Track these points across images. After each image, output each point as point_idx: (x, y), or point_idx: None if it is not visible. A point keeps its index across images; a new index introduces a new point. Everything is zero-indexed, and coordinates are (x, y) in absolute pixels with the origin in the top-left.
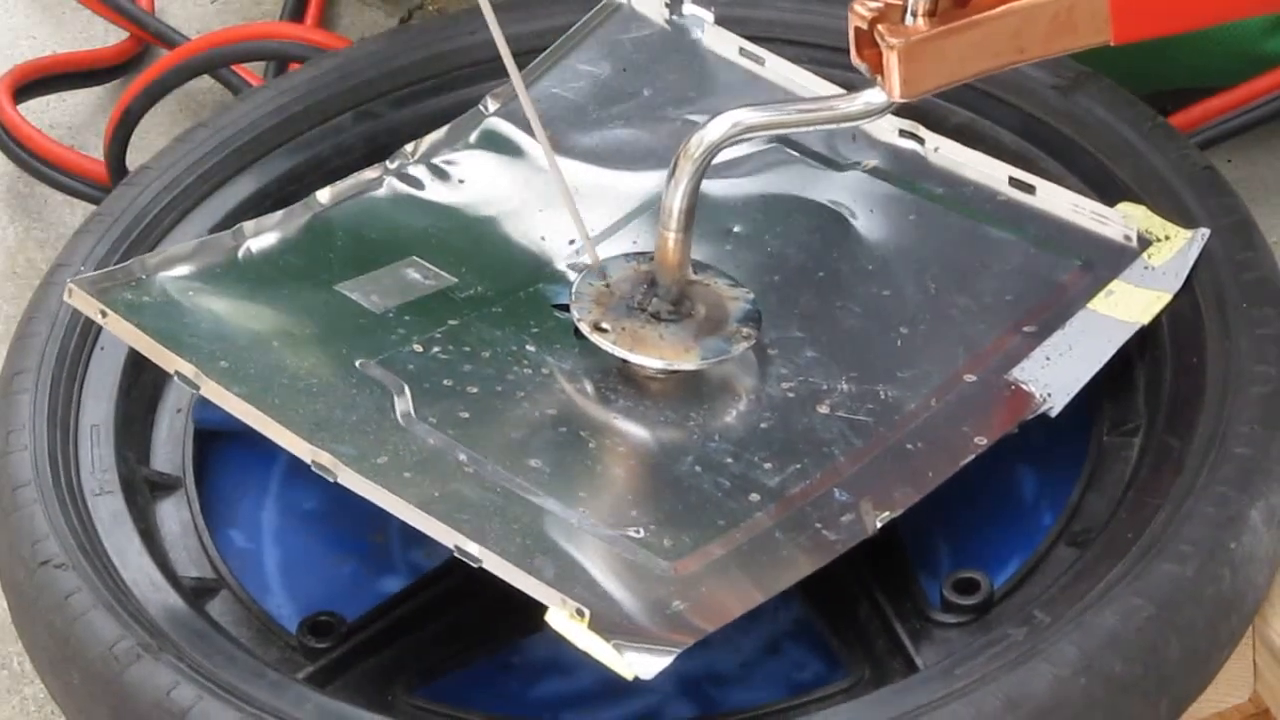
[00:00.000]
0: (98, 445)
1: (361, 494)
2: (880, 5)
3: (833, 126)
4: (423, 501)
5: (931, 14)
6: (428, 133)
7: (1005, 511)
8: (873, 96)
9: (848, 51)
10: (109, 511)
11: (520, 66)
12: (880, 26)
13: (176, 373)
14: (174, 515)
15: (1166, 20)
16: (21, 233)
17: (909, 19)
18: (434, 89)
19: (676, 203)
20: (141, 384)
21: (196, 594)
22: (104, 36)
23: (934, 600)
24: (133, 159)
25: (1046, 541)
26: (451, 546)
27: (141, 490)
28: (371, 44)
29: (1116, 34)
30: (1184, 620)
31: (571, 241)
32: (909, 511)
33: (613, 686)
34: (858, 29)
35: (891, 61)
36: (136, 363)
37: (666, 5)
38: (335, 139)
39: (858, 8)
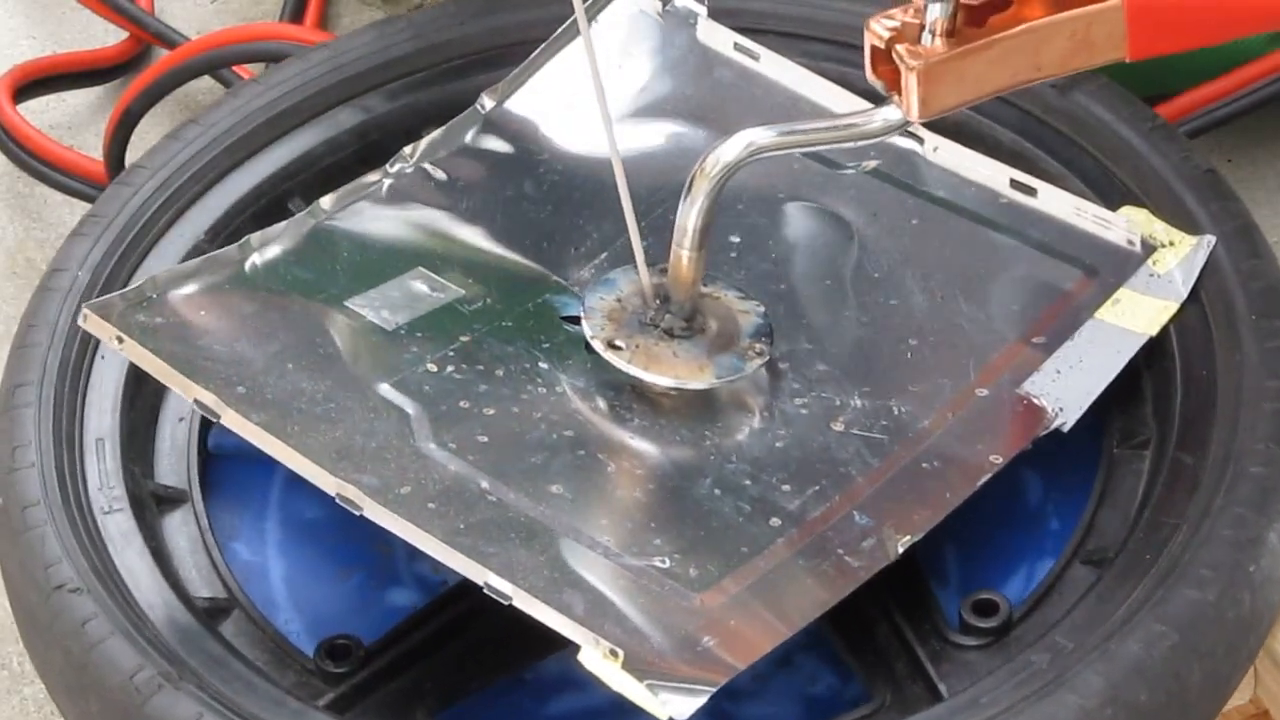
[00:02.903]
0: (104, 460)
1: (387, 528)
2: (897, 24)
3: (849, 145)
4: (448, 535)
5: (950, 33)
6: (421, 127)
7: (1013, 520)
8: (889, 114)
9: (841, 44)
10: (119, 530)
11: (516, 61)
12: (899, 47)
13: (196, 401)
14: (181, 531)
15: (1182, 38)
16: (21, 233)
17: (926, 38)
18: (425, 81)
19: (691, 221)
20: (144, 394)
21: (210, 615)
22: (104, 36)
23: (952, 620)
24: (132, 159)
25: (1062, 560)
26: (482, 584)
27: (149, 506)
28: (361, 36)
29: (1132, 51)
30: (1206, 646)
31: (576, 248)
32: None
33: (627, 702)
34: (874, 47)
35: (910, 82)
36: (138, 372)
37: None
38: (327, 133)
39: (875, 26)
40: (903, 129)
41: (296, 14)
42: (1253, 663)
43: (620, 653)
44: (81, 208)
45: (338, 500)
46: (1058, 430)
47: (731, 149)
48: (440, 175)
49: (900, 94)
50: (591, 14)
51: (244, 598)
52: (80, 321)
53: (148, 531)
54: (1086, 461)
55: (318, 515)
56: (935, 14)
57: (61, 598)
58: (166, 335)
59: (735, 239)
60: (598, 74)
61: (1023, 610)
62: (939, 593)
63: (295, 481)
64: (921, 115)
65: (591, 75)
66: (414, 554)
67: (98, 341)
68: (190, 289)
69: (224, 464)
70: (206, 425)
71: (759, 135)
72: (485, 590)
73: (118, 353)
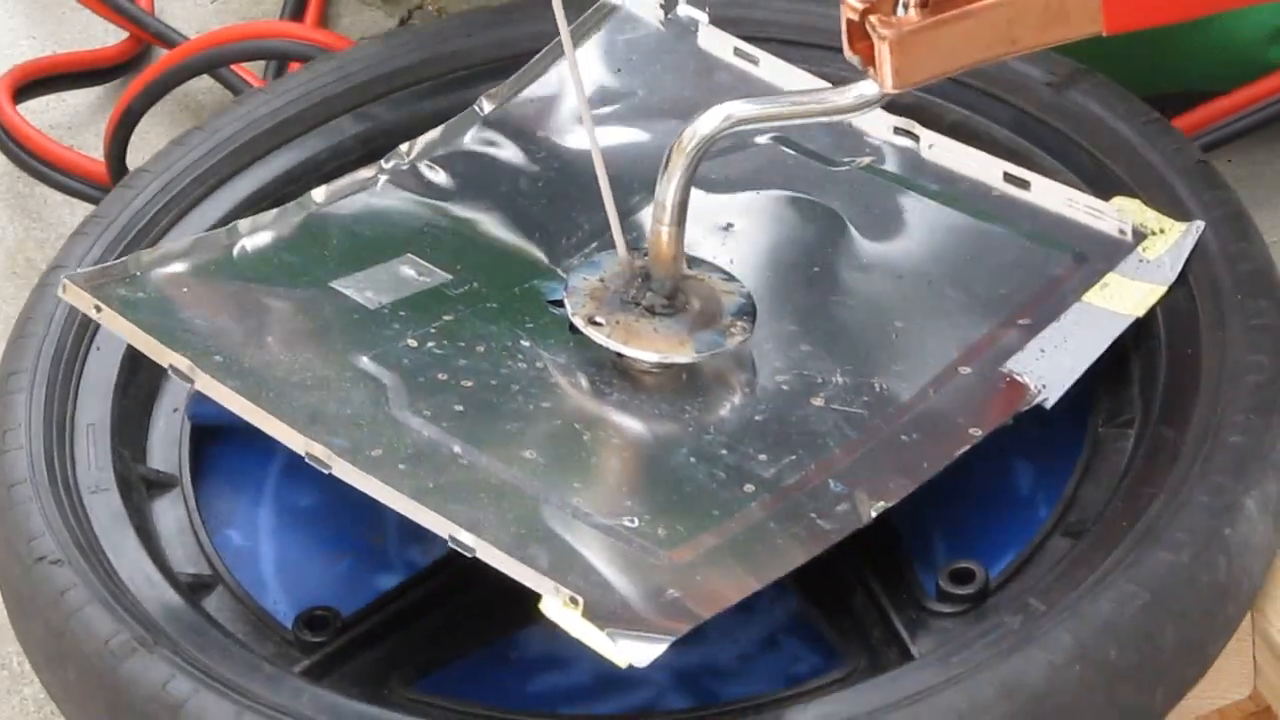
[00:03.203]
0: (94, 444)
1: (355, 485)
2: None
3: (825, 119)
4: (416, 492)
5: (924, 5)
6: (423, 133)
7: (1001, 504)
8: (865, 88)
9: (841, 50)
10: (105, 509)
11: (515, 68)
12: (872, 18)
13: (171, 366)
14: (170, 513)
15: (1157, 10)
16: (21, 233)
17: (901, 10)
18: (430, 90)
19: (670, 196)
20: (138, 383)
21: (192, 589)
22: (104, 36)
23: (930, 591)
24: (133, 159)
25: (1042, 532)
26: (446, 536)
27: (138, 488)
28: (369, 46)
29: (1108, 24)
30: (1179, 607)
31: (567, 239)
32: (906, 504)
33: (610, 680)
34: (850, 21)
35: (883, 53)
36: (133, 362)
37: (661, 6)
38: (332, 140)
39: (850, 0)
40: (878, 102)
41: (296, 13)
42: (1233, 631)
43: (580, 600)
44: (81, 208)
45: (307, 459)
46: (1041, 409)
47: (708, 121)
48: (436, 173)
49: (875, 67)
50: (592, 23)
51: (229, 575)
52: (59, 291)
53: (134, 511)
54: (1076, 445)
55: (311, 503)
56: None
57: (42, 569)
58: (146, 308)
59: (726, 229)
60: (576, 66)
61: (1000, 579)
62: (925, 576)
63: (290, 470)
64: (895, 86)
65: (571, 73)
66: (405, 540)
67: (93, 333)
68: (174, 268)
69: (220, 451)
70: None
71: (736, 108)
72: (450, 544)
73: (103, 328)
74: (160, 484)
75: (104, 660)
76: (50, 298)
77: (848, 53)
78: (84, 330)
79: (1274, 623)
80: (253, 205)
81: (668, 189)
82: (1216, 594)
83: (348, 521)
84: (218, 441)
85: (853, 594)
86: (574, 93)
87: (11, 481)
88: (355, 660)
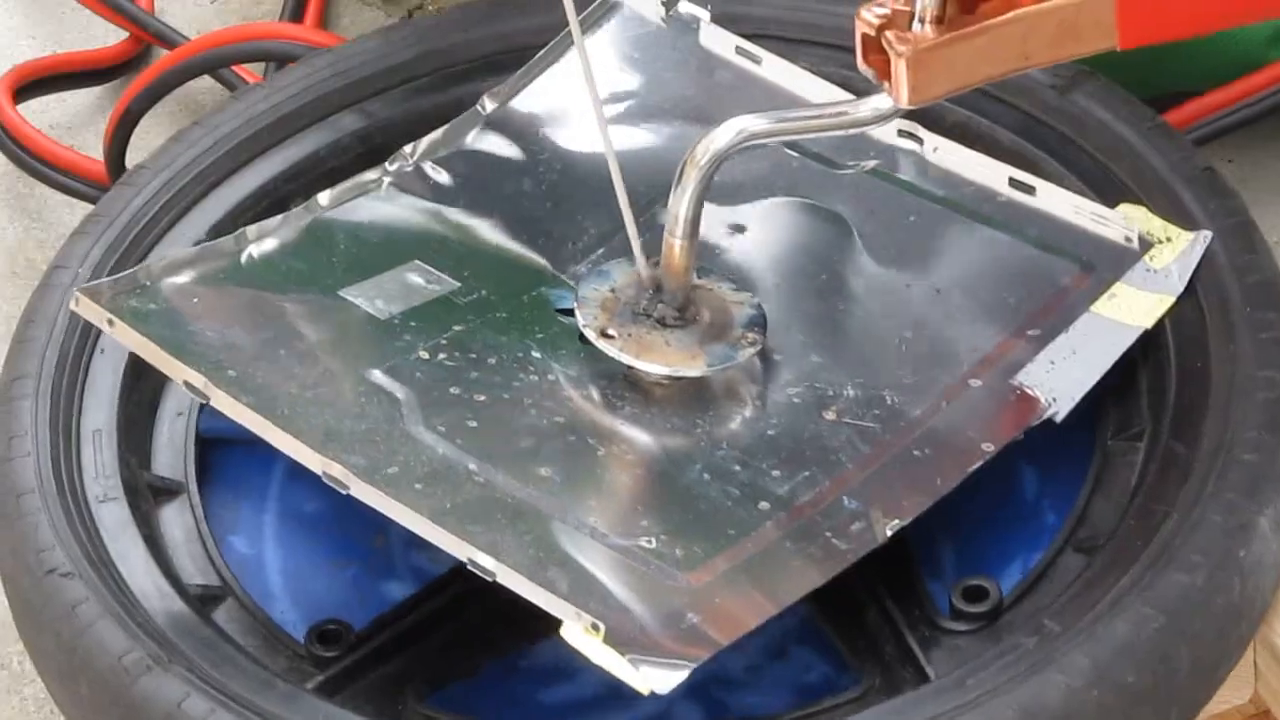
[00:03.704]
0: (100, 450)
1: (374, 506)
2: (887, 11)
3: (840, 133)
4: (435, 513)
5: (939, 21)
6: (424, 131)
7: (1009, 513)
8: (880, 102)
9: (844, 49)
10: (113, 518)
11: (516, 65)
12: (888, 34)
13: (185, 383)
14: (177, 521)
15: (1172, 26)
16: (21, 233)
17: (916, 25)
18: (429, 86)
19: (683, 210)
20: (142, 388)
21: (203, 602)
22: (104, 36)
23: (943, 607)
24: (133, 159)
25: (1054, 548)
26: (465, 560)
27: (144, 496)
28: (367, 41)
29: (1123, 39)
30: (1194, 629)
31: (573, 244)
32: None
33: (621, 691)
34: (864, 35)
35: (900, 69)
36: (137, 366)
37: (662, 4)
38: (331, 136)
39: (865, 14)
40: (893, 117)
41: (296, 14)
42: (1245, 650)
43: (601, 627)
44: (81, 208)
45: (324, 479)
46: (1050, 421)
47: (722, 136)
48: (439, 174)
49: (890, 82)
50: (593, 21)
51: (238, 586)
52: (72, 304)
53: (142, 520)
54: (1084, 455)
55: (316, 509)
56: (925, 1)
57: (53, 582)
58: (158, 320)
59: (732, 235)
60: (591, 77)
61: (1013, 596)
62: (934, 586)
63: (294, 475)
64: (911, 102)
65: (585, 78)
66: (410, 546)
67: (97, 335)
68: (184, 277)
69: (224, 458)
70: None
71: (750, 122)
72: (469, 567)
73: (109, 336)
74: (166, 491)
75: (118, 677)
76: (52, 300)
77: (861, 65)
78: (87, 334)
79: (1275, 627)
80: (254, 202)
81: (680, 202)
82: (1230, 615)
83: (352, 527)
84: (221, 446)
85: (865, 610)
86: (576, 91)
87: (20, 491)
88: (369, 675)
